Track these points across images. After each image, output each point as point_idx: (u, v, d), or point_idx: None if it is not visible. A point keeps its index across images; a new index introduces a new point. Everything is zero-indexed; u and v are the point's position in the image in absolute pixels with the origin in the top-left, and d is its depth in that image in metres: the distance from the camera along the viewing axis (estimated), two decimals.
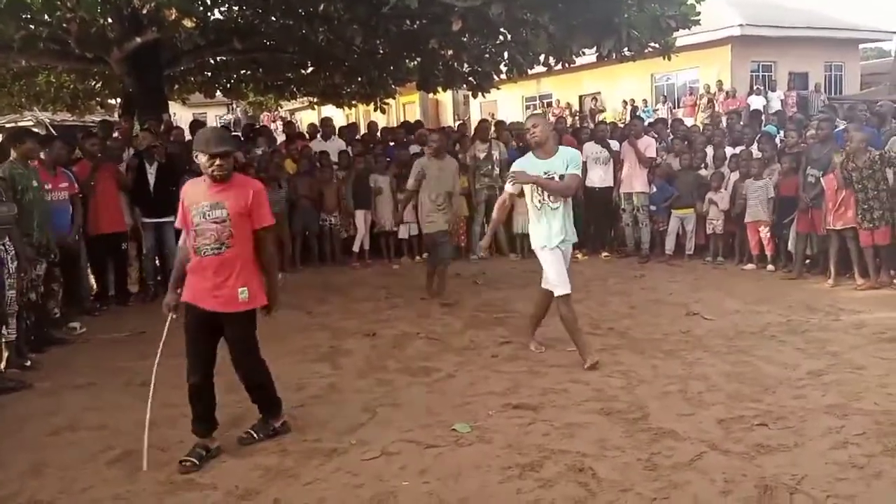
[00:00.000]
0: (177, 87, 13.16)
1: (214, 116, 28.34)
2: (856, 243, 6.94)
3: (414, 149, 9.80)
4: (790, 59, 20.95)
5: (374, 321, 6.52)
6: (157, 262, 7.80)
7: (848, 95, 19.68)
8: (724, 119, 11.34)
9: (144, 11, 7.91)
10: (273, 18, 9.72)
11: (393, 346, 5.73)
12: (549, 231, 4.98)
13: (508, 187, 5.14)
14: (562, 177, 4.89)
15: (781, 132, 9.06)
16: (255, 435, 3.94)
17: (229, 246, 3.63)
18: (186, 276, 3.75)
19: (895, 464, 3.36)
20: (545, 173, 4.89)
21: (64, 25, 8.35)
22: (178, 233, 7.76)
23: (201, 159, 3.58)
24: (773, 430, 3.78)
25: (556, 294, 4.96)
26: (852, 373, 4.64)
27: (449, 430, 3.97)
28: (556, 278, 4.96)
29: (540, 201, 5.00)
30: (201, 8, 8.73)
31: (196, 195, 3.67)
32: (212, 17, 9.77)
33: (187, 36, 9.00)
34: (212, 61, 12.24)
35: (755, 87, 19.38)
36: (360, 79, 12.63)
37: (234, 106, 26.12)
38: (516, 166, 5.11)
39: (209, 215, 3.60)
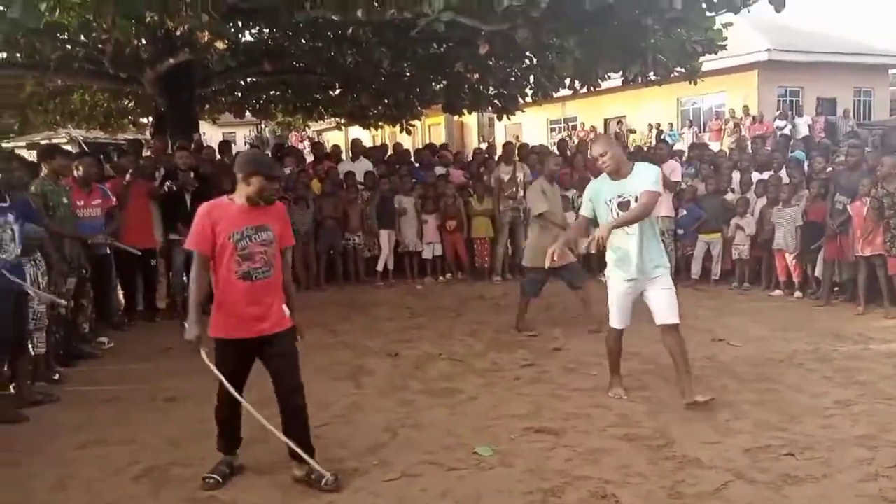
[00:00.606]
0: (207, 106, 13.43)
1: (243, 136, 28.79)
2: (885, 271, 6.84)
3: (439, 170, 9.87)
4: (818, 85, 20.80)
5: (397, 341, 6.54)
6: (185, 279, 7.91)
7: (877, 121, 19.46)
8: (749, 144, 11.30)
9: (178, 33, 8.11)
10: (302, 41, 9.91)
11: (415, 366, 5.73)
12: (618, 260, 4.58)
13: (583, 210, 4.74)
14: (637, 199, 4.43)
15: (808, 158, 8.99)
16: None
17: (274, 267, 3.58)
18: (219, 309, 3.55)
19: None
20: (619, 196, 4.47)
21: (99, 46, 8.58)
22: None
23: (257, 182, 3.45)
24: (800, 461, 3.72)
25: (608, 322, 4.77)
26: (882, 403, 4.55)
27: (471, 452, 3.95)
28: (611, 308, 4.70)
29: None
30: (233, 30, 8.92)
31: (231, 218, 3.49)
32: (243, 39, 9.97)
33: (219, 58, 9.18)
34: (242, 82, 12.48)
35: (781, 112, 19.26)
36: (386, 100, 12.79)
37: (263, 126, 26.52)
38: (590, 189, 4.69)
39: (255, 238, 3.50)
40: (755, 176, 8.66)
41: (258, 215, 3.53)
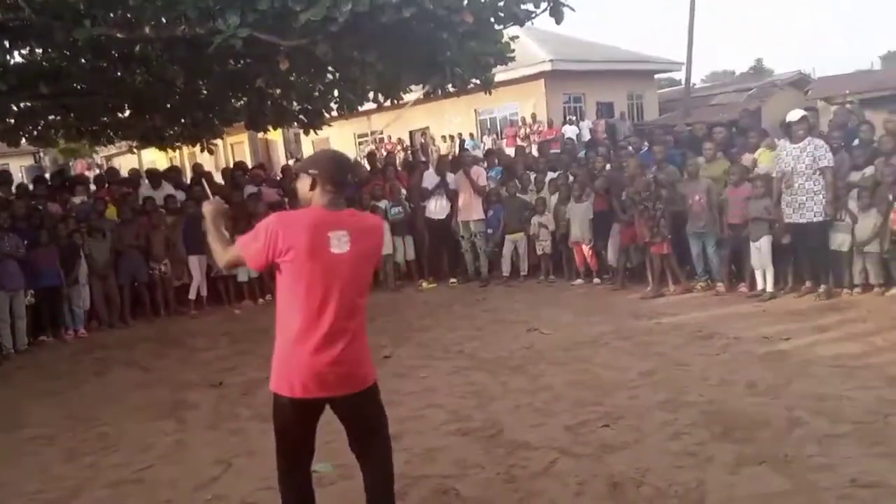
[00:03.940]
0: None
1: (19, 166, 25.93)
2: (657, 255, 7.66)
3: (250, 189, 9.59)
4: (597, 91, 22.83)
5: (220, 370, 6.25)
6: None
7: (649, 121, 21.73)
8: (534, 147, 12.17)
9: None
10: (83, 61, 9.14)
11: (243, 393, 5.51)
12: None
13: None
14: None
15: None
16: None
17: None
18: None
19: (723, 448, 3.74)
20: None
21: None
22: None
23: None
24: (615, 430, 4.08)
25: None
26: (678, 370, 5.10)
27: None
28: None
29: None
30: None
31: None
32: (12, 61, 9.01)
33: None
34: (15, 107, 11.24)
35: (568, 118, 20.90)
36: (183, 120, 12.12)
37: (42, 154, 24.09)
38: None
39: None
40: (549, 176, 9.34)
41: None
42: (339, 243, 2.71)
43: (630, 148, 8.91)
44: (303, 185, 2.84)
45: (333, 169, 2.83)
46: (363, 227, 2.82)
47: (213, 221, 3.00)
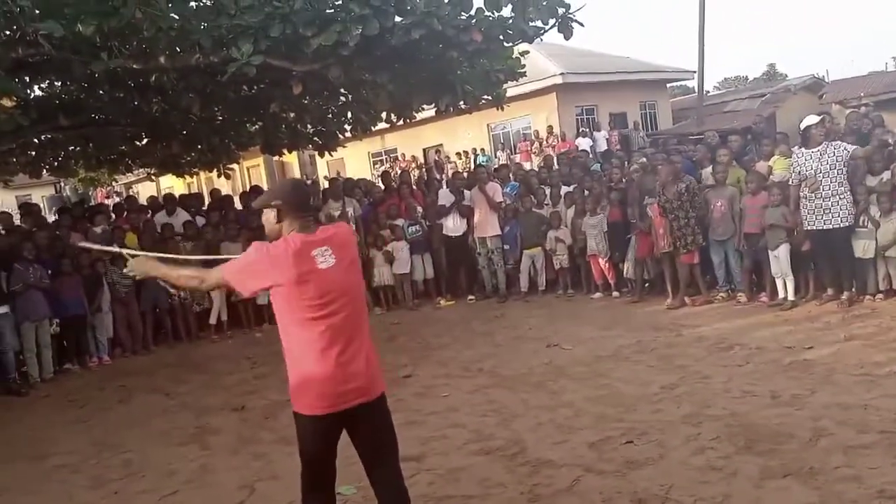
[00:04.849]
0: None
1: (41, 197, 26.39)
2: (685, 264, 7.61)
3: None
4: (609, 102, 22.80)
5: (241, 394, 6.29)
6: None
7: (663, 130, 21.67)
8: (555, 160, 12.18)
9: None
10: (101, 92, 9.31)
11: (264, 416, 5.55)
12: None
13: None
14: None
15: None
16: None
17: None
18: None
19: (748, 461, 3.71)
20: None
21: None
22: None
23: None
24: (638, 446, 4.05)
25: None
26: (700, 382, 5.06)
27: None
28: None
29: None
30: (19, 85, 8.20)
31: None
32: (32, 95, 9.20)
33: (8, 116, 8.39)
34: (36, 140, 11.46)
35: (581, 130, 20.89)
36: (199, 146, 12.28)
37: (63, 184, 24.45)
38: None
39: None
40: (563, 190, 9.34)
41: None
42: (325, 259, 2.81)
43: (644, 160, 8.86)
44: (268, 218, 2.95)
45: (294, 195, 2.96)
46: (339, 239, 2.92)
47: (157, 272, 3.22)
